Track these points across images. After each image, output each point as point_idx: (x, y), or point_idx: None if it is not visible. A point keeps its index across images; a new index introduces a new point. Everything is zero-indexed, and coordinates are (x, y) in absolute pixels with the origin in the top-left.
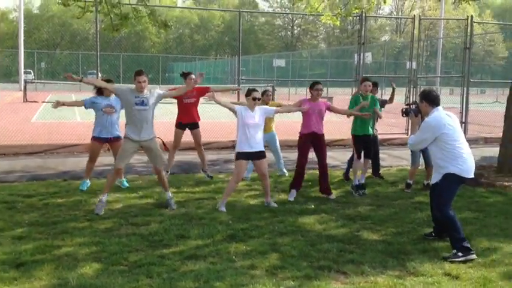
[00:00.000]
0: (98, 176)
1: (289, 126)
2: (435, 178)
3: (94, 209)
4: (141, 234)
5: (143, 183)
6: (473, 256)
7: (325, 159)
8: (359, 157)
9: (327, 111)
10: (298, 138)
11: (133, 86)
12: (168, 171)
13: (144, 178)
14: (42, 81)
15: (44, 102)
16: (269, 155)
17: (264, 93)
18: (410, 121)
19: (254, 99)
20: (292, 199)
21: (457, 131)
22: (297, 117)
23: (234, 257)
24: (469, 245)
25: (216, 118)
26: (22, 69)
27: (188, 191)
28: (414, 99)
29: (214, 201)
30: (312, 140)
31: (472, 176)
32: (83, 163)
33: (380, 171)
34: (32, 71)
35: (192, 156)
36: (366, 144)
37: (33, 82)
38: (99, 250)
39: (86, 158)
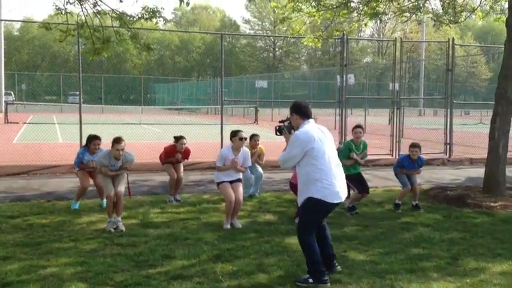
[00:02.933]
0: (82, 197)
1: (272, 146)
2: (300, 199)
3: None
4: (127, 254)
5: (128, 204)
6: (326, 286)
7: None
8: (360, 191)
9: None
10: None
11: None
12: (178, 199)
13: (128, 199)
14: (23, 102)
15: (25, 123)
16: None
17: (252, 137)
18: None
19: (241, 139)
20: None
21: (327, 147)
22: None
23: (220, 277)
24: (324, 277)
25: (199, 139)
26: (3, 91)
27: (173, 211)
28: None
29: (199, 222)
30: None
31: (338, 201)
32: (66, 184)
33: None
34: (12, 93)
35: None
36: (360, 180)
37: (14, 103)
38: (85, 270)
39: (68, 179)
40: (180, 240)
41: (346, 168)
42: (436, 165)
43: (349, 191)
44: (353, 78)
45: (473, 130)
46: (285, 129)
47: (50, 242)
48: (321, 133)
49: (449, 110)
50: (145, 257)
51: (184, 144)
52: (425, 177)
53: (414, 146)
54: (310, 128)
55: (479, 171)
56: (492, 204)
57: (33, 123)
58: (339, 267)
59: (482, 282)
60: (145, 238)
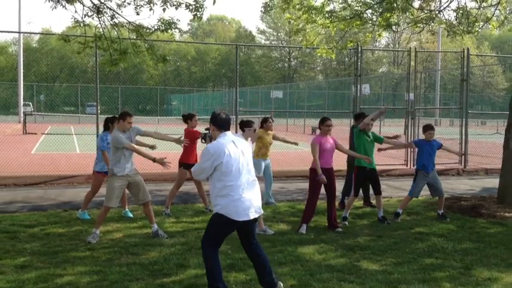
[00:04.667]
0: (98, 207)
1: (288, 156)
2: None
3: (87, 238)
4: (142, 263)
5: (142, 213)
6: None
7: (335, 193)
8: (356, 194)
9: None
10: (311, 171)
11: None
12: (167, 210)
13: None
14: (41, 113)
15: (43, 134)
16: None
17: (265, 120)
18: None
19: (255, 130)
20: (304, 232)
21: (239, 162)
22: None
23: (233, 286)
24: None
25: None
26: (21, 102)
27: (187, 220)
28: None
29: None
30: (326, 175)
31: (245, 218)
32: (83, 194)
33: (371, 200)
34: (30, 103)
35: (189, 187)
36: (371, 179)
37: (33, 114)
38: (101, 279)
39: (85, 189)
40: (194, 250)
41: (359, 160)
42: (451, 176)
43: (343, 199)
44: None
45: (489, 140)
46: (207, 138)
47: (67, 251)
48: (233, 147)
49: (464, 120)
50: (160, 266)
51: (197, 120)
52: None
53: (431, 128)
54: (223, 141)
55: (494, 182)
56: (506, 214)
57: (51, 134)
58: None
59: None
60: (160, 247)
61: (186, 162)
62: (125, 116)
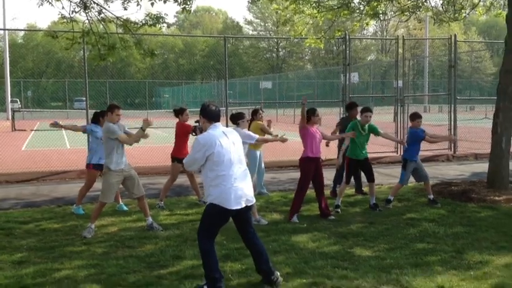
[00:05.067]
0: (92, 202)
1: (279, 147)
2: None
3: (82, 233)
4: (138, 256)
5: (136, 207)
6: None
7: (323, 182)
8: (348, 181)
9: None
10: (301, 161)
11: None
12: (161, 203)
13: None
14: (30, 109)
15: (32, 130)
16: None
17: (255, 112)
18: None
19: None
20: (297, 220)
21: (231, 152)
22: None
23: (230, 275)
24: (219, 283)
25: None
26: (9, 99)
27: (181, 213)
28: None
29: None
30: (314, 165)
31: (238, 207)
32: (76, 189)
33: (363, 188)
34: (18, 100)
35: (183, 180)
36: (364, 167)
37: (20, 111)
38: (98, 272)
39: (78, 184)
40: (189, 241)
41: (355, 152)
42: (441, 161)
43: (335, 187)
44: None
45: (478, 125)
46: (197, 130)
47: (63, 245)
48: (224, 138)
49: (452, 106)
50: (156, 258)
51: (188, 114)
52: (430, 173)
53: (418, 116)
54: (214, 132)
55: (484, 166)
56: (496, 198)
57: (40, 130)
58: (279, 279)
59: (485, 275)
60: (156, 240)
61: (179, 156)
62: (113, 108)
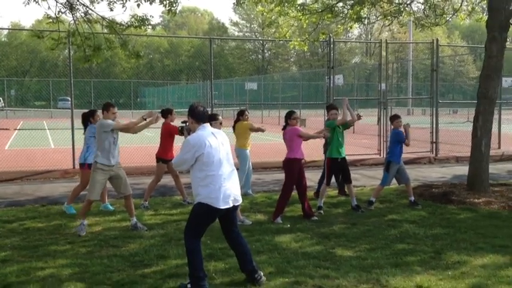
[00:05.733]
0: (77, 201)
1: (266, 148)
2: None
3: (76, 230)
4: (122, 255)
5: (121, 207)
6: None
7: (306, 184)
8: (328, 183)
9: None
10: (287, 163)
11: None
12: (145, 203)
13: (122, 202)
14: (13, 108)
15: (16, 129)
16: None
17: (241, 113)
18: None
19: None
20: (281, 221)
21: (220, 152)
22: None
23: (213, 274)
24: (202, 282)
25: None
26: None
27: (166, 213)
28: None
29: None
30: (298, 166)
31: (226, 206)
32: (60, 188)
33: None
34: (1, 99)
35: (167, 180)
36: (342, 168)
37: (4, 109)
38: (82, 271)
39: (62, 184)
40: (174, 241)
41: (330, 152)
42: (422, 164)
43: (319, 189)
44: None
45: (460, 129)
46: (185, 130)
47: (47, 244)
48: (213, 138)
49: (434, 109)
50: (141, 257)
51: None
52: (412, 176)
53: (397, 116)
54: (203, 133)
55: (465, 169)
56: (476, 200)
57: (24, 129)
58: (262, 278)
59: (463, 274)
60: (140, 239)
61: (164, 157)
62: (109, 106)
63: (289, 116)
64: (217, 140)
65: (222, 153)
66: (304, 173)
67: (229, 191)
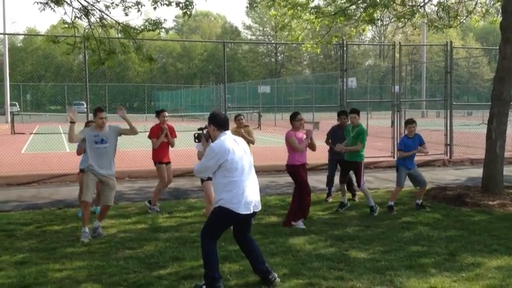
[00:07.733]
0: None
1: (278, 150)
2: (214, 206)
3: (79, 236)
4: (138, 257)
5: (136, 210)
6: None
7: (309, 187)
8: (343, 181)
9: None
10: (288, 169)
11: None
12: (155, 206)
13: (137, 205)
14: (29, 113)
15: (31, 133)
16: None
17: (236, 118)
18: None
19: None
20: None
21: (242, 159)
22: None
23: (228, 276)
24: (217, 283)
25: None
26: (8, 102)
27: (180, 215)
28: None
29: None
30: (301, 170)
31: (247, 212)
32: (76, 191)
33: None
34: (17, 103)
35: (181, 183)
36: (344, 168)
37: (20, 114)
38: (99, 273)
39: (78, 187)
40: (188, 243)
41: (360, 155)
42: (437, 166)
43: (330, 190)
44: (355, 81)
45: (475, 131)
46: (203, 137)
47: (64, 247)
48: (236, 145)
49: (449, 111)
50: (156, 259)
51: (166, 117)
52: (426, 178)
53: (410, 122)
54: (226, 140)
55: (479, 172)
56: (490, 203)
57: (39, 134)
58: (277, 280)
59: (477, 276)
60: (155, 242)
61: (161, 161)
62: (95, 111)
63: (293, 118)
64: (239, 147)
65: (244, 159)
66: (307, 178)
67: (251, 197)
